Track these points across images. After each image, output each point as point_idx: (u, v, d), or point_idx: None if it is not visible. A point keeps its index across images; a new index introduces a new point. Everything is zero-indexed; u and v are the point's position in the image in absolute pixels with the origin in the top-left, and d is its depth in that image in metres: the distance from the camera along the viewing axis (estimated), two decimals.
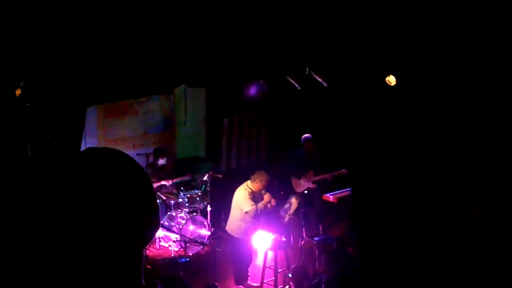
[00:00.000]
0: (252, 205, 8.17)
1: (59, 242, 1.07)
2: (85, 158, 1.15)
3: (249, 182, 8.38)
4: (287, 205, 9.43)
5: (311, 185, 10.35)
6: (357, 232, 8.70)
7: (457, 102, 9.30)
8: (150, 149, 10.65)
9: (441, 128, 9.74)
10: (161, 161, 10.16)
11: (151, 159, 10.19)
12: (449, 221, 8.08)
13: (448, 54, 8.82)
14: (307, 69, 10.04)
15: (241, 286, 8.49)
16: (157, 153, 10.22)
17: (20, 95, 8.34)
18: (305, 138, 10.57)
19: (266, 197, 8.32)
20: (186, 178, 10.46)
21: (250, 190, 8.28)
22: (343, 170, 10.07)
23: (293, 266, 7.69)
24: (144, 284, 1.22)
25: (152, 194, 1.20)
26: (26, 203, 1.07)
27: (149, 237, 1.21)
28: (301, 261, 8.92)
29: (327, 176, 10.19)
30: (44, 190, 1.07)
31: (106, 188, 1.11)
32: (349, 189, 10.01)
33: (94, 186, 1.10)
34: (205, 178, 10.20)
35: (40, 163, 1.12)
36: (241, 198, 8.27)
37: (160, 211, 9.82)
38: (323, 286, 5.29)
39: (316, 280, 6.54)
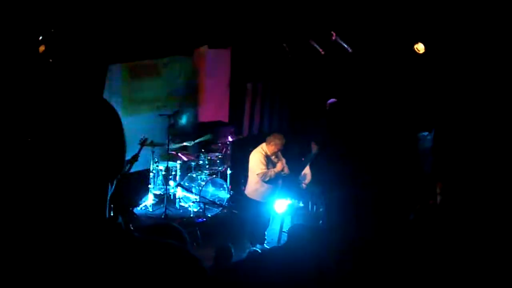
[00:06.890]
0: (261, 168, 7.90)
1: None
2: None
3: (264, 144, 8.10)
4: (302, 174, 9.28)
5: None
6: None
7: (487, 72, 9.02)
8: (173, 111, 10.64)
9: (469, 100, 9.47)
10: (182, 123, 10.21)
11: (172, 120, 10.20)
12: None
13: (479, 23, 8.52)
14: (332, 33, 9.83)
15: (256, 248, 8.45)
16: (178, 115, 10.25)
17: (44, 51, 8.36)
18: (331, 102, 10.42)
19: (279, 165, 8.01)
20: (206, 137, 10.41)
21: (263, 153, 8.01)
22: None
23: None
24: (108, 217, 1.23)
25: (121, 137, 1.25)
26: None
27: (113, 171, 1.23)
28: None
29: None
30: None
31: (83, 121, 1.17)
32: None
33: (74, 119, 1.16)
34: (226, 141, 10.18)
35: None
36: (254, 161, 8.05)
37: (180, 173, 9.99)
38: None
39: None
